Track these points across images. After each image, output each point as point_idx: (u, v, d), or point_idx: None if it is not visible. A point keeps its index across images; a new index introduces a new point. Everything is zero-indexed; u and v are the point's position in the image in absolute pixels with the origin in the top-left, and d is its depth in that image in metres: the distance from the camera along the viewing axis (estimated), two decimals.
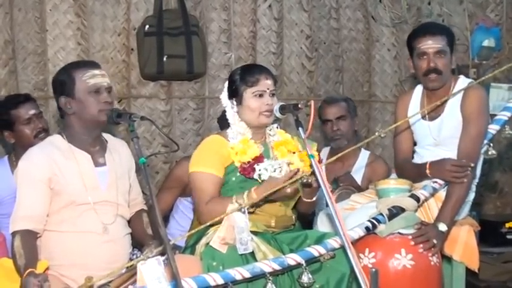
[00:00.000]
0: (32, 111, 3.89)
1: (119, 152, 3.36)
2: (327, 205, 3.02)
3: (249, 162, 3.28)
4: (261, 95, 3.31)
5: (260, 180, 3.25)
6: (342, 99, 4.55)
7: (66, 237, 3.13)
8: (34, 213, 3.05)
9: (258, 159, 3.30)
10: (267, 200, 3.24)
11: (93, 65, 3.29)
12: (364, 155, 4.44)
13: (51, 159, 3.15)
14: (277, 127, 3.49)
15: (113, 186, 3.23)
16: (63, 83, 3.21)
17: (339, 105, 4.41)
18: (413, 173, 3.66)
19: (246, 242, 3.08)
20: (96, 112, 3.17)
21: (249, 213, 3.20)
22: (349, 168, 4.37)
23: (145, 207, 3.44)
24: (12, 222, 3.07)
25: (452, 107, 3.62)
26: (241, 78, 3.37)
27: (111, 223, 3.19)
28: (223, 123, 3.62)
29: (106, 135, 3.40)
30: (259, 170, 3.26)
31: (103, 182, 3.22)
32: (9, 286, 2.91)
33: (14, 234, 3.03)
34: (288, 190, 3.14)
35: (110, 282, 2.99)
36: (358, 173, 4.32)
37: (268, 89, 3.32)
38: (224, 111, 3.50)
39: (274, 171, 3.25)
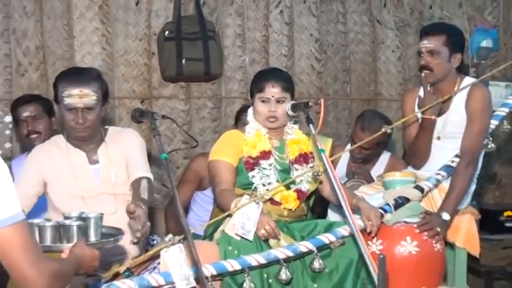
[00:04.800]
0: (26, 114, 3.86)
1: (118, 142, 3.28)
2: None
3: (255, 157, 3.30)
4: (265, 101, 3.32)
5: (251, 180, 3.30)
6: (379, 126, 3.96)
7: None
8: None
9: (265, 155, 3.32)
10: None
11: (77, 81, 3.09)
12: (385, 156, 4.39)
13: (48, 156, 3.17)
14: (297, 128, 3.48)
15: (108, 182, 3.18)
16: (54, 90, 3.20)
17: (371, 135, 3.97)
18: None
19: (247, 230, 3.06)
20: (69, 128, 3.15)
21: (264, 202, 3.22)
22: (369, 167, 4.32)
23: (150, 176, 3.20)
24: None
25: (457, 105, 3.61)
26: (253, 82, 3.42)
27: (112, 214, 3.08)
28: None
29: (111, 130, 3.36)
30: (254, 171, 3.30)
31: (98, 178, 3.20)
32: None
33: None
34: (259, 233, 3.06)
35: (133, 268, 3.01)
36: (378, 171, 4.24)
37: (273, 96, 3.30)
38: None
39: (264, 185, 3.28)
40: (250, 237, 3.05)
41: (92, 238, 2.55)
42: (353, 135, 4.31)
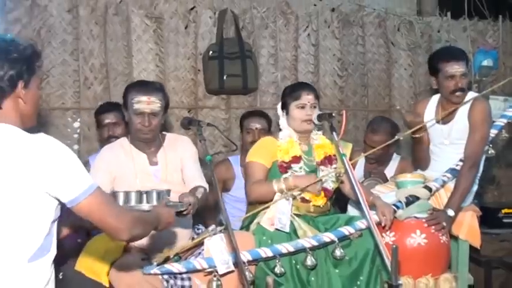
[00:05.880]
0: (107, 120, 3.93)
1: (175, 147, 3.30)
2: None
3: (288, 161, 3.30)
4: (302, 107, 3.32)
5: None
6: (386, 129, 4.17)
7: None
8: None
9: (296, 159, 3.32)
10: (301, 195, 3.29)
11: (146, 90, 3.16)
12: (396, 159, 4.34)
13: (115, 156, 3.21)
14: (321, 134, 3.49)
15: (165, 181, 3.18)
16: (123, 98, 3.26)
17: (380, 136, 4.09)
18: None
19: (284, 223, 3.10)
20: (135, 130, 3.18)
21: (293, 198, 3.22)
22: (383, 168, 4.27)
23: (205, 186, 3.24)
24: None
25: (461, 115, 3.58)
26: (288, 94, 3.40)
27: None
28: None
29: (168, 136, 3.38)
30: (287, 174, 3.28)
31: (157, 178, 3.21)
32: (107, 257, 2.96)
33: None
34: (318, 187, 3.17)
35: (181, 253, 3.04)
36: (390, 171, 4.23)
37: (308, 102, 3.32)
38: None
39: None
40: (287, 229, 3.10)
41: None
42: (365, 138, 4.28)
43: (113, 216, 1.99)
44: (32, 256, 1.93)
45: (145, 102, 3.12)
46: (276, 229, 3.13)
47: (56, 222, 2.04)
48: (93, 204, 1.95)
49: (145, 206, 2.62)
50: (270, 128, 4.25)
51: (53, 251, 2.01)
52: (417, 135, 3.70)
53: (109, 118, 3.95)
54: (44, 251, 1.97)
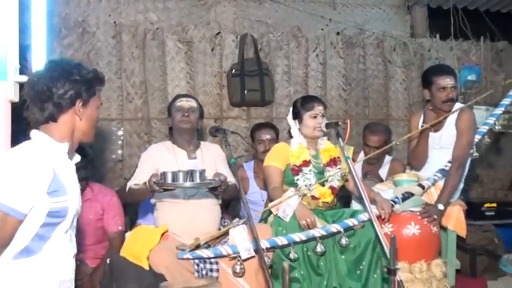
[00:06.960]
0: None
1: (209, 150, 3.42)
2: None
3: (299, 165, 3.30)
4: (315, 117, 3.32)
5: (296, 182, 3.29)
6: (382, 130, 4.19)
7: (171, 207, 3.23)
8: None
9: (306, 163, 3.32)
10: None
11: (184, 96, 3.51)
12: (388, 159, 4.29)
13: (160, 152, 3.33)
14: (326, 139, 3.49)
15: None
16: (168, 110, 3.48)
17: (379, 136, 4.09)
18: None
19: (287, 214, 3.10)
20: (177, 122, 3.35)
21: (304, 195, 3.24)
22: (378, 168, 4.23)
23: (236, 183, 3.24)
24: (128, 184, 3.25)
25: (450, 123, 3.56)
26: (302, 105, 3.39)
27: (192, 195, 3.23)
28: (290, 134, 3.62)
29: (203, 142, 3.51)
30: (298, 176, 3.29)
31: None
32: (147, 244, 2.98)
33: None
34: (301, 223, 3.08)
35: (210, 241, 3.05)
36: (383, 171, 4.19)
37: (320, 112, 3.32)
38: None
39: (305, 186, 3.27)
40: (288, 219, 3.09)
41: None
42: (365, 141, 4.17)
43: None
44: (16, 254, 1.81)
45: (185, 101, 3.39)
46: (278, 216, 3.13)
47: (53, 228, 1.86)
48: None
49: (187, 184, 2.79)
50: (278, 137, 4.23)
51: (46, 256, 1.85)
52: (426, 126, 3.55)
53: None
54: (30, 252, 1.82)
